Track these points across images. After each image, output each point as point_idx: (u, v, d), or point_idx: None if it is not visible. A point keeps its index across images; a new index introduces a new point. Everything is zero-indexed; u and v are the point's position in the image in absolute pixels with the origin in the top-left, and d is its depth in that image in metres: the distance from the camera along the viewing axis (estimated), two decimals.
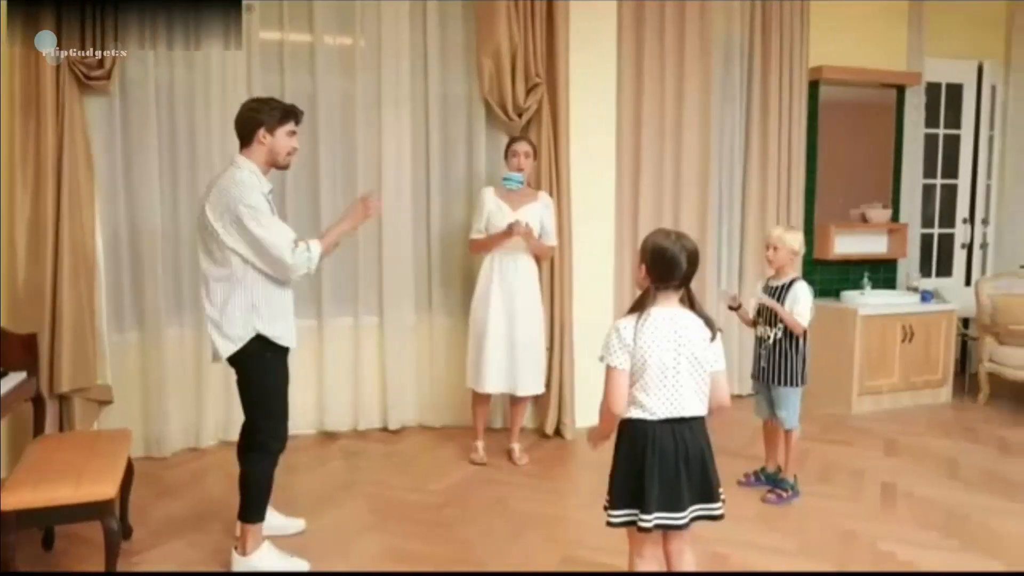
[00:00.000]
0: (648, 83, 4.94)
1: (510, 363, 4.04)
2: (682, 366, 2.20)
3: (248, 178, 2.74)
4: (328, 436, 4.51)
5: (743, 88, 5.34)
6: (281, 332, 2.82)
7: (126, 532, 3.09)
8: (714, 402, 2.30)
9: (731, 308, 3.70)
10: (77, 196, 3.73)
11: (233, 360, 2.81)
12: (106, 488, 2.53)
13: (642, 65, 4.92)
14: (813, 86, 5.40)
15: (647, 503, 2.20)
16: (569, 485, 3.95)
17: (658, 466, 2.20)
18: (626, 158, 4.92)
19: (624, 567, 2.46)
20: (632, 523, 2.26)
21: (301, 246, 2.72)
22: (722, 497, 2.32)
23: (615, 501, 2.30)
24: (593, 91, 4.58)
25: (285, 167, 2.91)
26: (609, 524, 2.31)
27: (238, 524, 2.92)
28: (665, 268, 2.19)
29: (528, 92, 4.40)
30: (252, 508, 2.86)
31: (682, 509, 2.22)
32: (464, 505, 3.54)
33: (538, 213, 4.05)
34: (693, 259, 2.20)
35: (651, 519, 2.21)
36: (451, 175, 4.62)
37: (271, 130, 2.78)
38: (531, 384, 4.12)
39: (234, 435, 4.27)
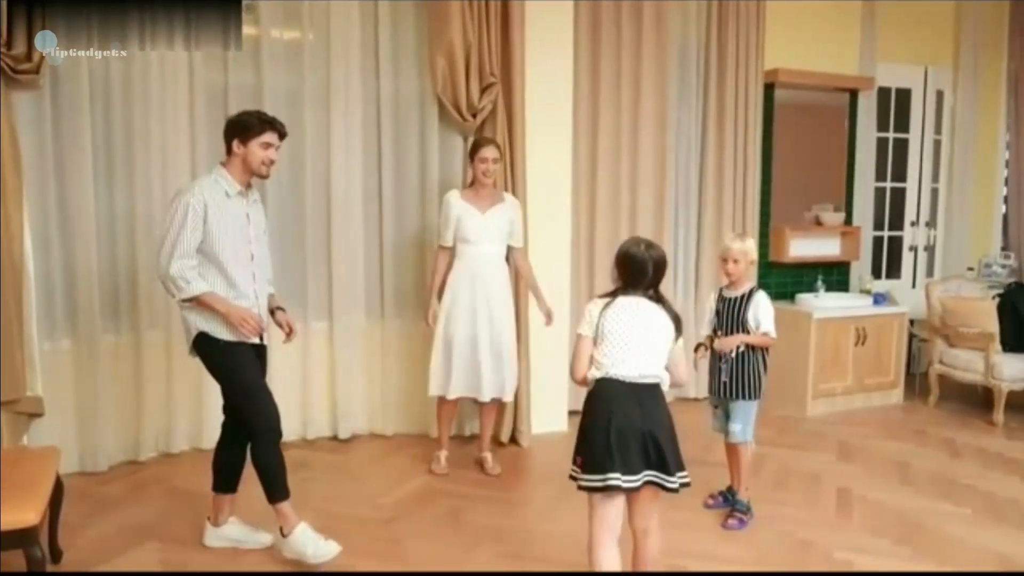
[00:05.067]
0: (605, 84, 4.89)
1: (489, 367, 3.90)
2: (640, 337, 2.36)
3: (205, 181, 2.88)
4: None
5: (699, 89, 5.32)
6: (222, 330, 2.86)
7: (55, 555, 2.91)
8: (673, 377, 2.46)
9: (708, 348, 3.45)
10: (4, 196, 3.49)
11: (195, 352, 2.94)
12: (28, 515, 2.36)
13: (599, 66, 4.87)
14: (768, 88, 5.41)
15: (609, 463, 2.27)
16: (524, 495, 3.86)
17: (617, 427, 2.28)
18: (583, 159, 4.86)
19: None
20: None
21: (191, 273, 2.78)
22: (683, 479, 2.35)
23: (587, 464, 2.34)
24: (549, 91, 4.48)
25: (264, 177, 2.99)
26: (581, 487, 2.36)
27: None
28: (634, 273, 2.41)
29: (483, 91, 4.29)
30: (269, 489, 2.95)
31: (635, 472, 2.28)
32: (415, 519, 3.44)
33: (508, 215, 3.96)
34: (660, 266, 2.43)
35: (593, 477, 2.30)
36: (403, 175, 4.49)
37: (244, 141, 2.87)
38: (509, 388, 4.02)
39: (175, 447, 4.15)
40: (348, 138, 4.34)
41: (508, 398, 4.07)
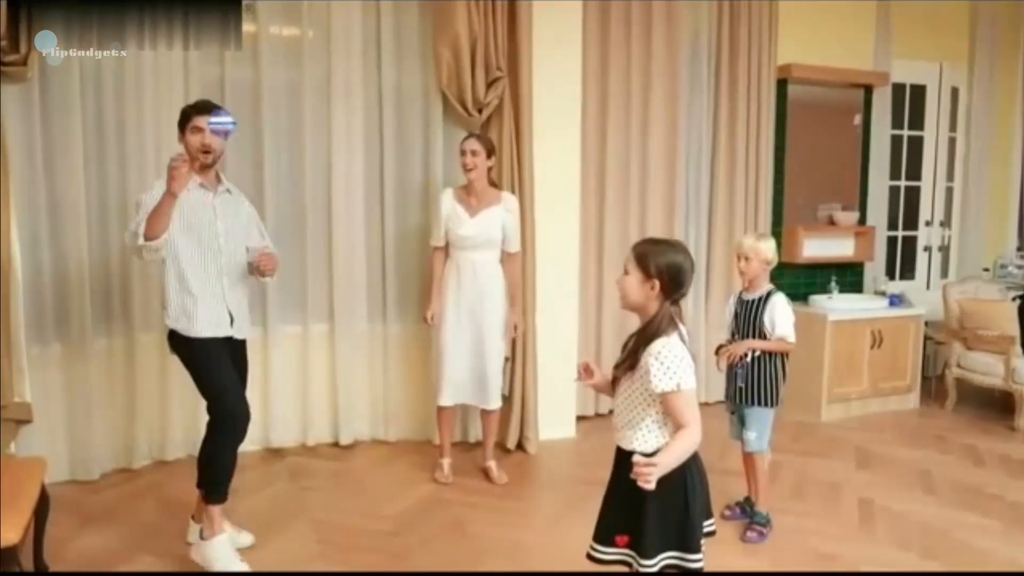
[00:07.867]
0: (614, 80, 4.75)
1: (476, 374, 3.78)
2: None
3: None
4: (274, 453, 4.20)
5: (711, 85, 5.17)
6: (185, 326, 2.86)
7: (41, 570, 2.76)
8: None
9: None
10: None
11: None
12: (8, 533, 2.21)
13: (608, 61, 4.73)
14: (781, 85, 5.26)
15: (694, 540, 2.06)
16: (531, 505, 3.71)
17: (700, 487, 2.09)
18: (591, 157, 4.72)
19: None
20: (674, 567, 2.05)
21: (132, 226, 2.76)
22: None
23: (660, 546, 2.03)
24: (557, 87, 4.34)
25: (209, 165, 2.88)
26: None
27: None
28: (682, 283, 2.08)
29: (489, 86, 4.14)
30: (207, 486, 2.89)
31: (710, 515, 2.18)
32: (419, 531, 3.28)
33: (499, 218, 3.76)
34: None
35: (702, 556, 2.07)
36: (406, 172, 4.34)
37: (182, 133, 2.86)
38: (492, 398, 3.86)
39: (170, 454, 4.01)
40: (349, 135, 4.19)
41: (491, 407, 3.88)
